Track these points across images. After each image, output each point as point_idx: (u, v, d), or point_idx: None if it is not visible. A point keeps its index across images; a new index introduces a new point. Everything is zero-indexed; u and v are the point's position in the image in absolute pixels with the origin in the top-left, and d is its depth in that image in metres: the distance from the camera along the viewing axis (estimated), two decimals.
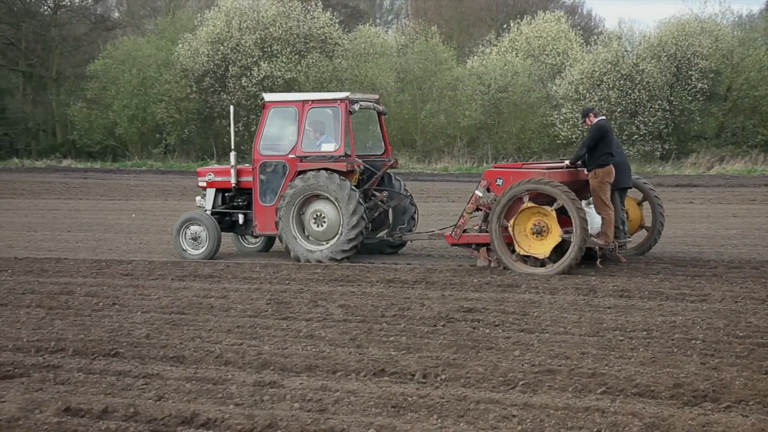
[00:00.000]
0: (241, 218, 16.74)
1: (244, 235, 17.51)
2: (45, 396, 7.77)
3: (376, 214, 16.45)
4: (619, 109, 40.37)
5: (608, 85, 40.50)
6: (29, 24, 52.87)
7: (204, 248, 16.32)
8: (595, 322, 10.54)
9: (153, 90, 46.90)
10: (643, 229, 16.18)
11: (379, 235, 16.58)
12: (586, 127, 15.58)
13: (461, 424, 7.02)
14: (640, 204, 16.13)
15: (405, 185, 17.21)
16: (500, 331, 10.19)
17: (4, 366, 8.76)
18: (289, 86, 45.30)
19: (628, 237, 15.65)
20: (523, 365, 8.60)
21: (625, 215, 15.36)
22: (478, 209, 14.98)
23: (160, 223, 22.79)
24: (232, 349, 9.35)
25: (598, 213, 14.65)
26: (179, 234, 16.52)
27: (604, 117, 15.20)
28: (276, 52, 45.42)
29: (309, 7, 46.52)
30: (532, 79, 43.87)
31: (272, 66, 44.57)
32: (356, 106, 15.98)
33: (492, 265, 14.65)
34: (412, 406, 7.44)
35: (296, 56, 45.29)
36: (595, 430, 6.85)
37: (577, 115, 40.12)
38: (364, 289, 12.89)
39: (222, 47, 45.57)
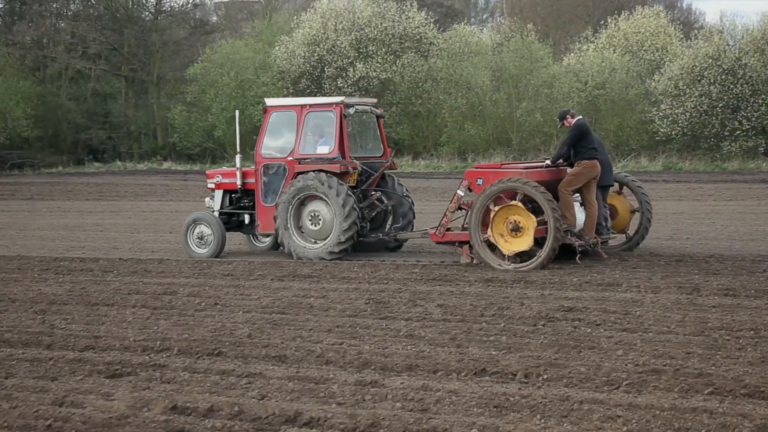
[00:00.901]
0: (246, 218, 17.31)
1: (254, 235, 17.94)
2: (152, 394, 7.92)
3: (374, 214, 16.92)
4: (720, 105, 39.53)
5: (709, 80, 39.68)
6: (131, 30, 54.06)
7: (209, 247, 16.96)
8: (699, 321, 10.32)
9: (250, 92, 47.48)
10: (623, 233, 16.43)
11: (373, 234, 16.89)
12: (563, 128, 16.01)
13: (565, 424, 6.94)
14: (632, 212, 16.42)
15: (405, 186, 17.64)
16: (602, 330, 10.04)
17: (113, 365, 8.96)
18: (384, 87, 45.47)
19: (612, 233, 15.97)
20: (626, 365, 8.46)
21: (608, 213, 15.76)
22: (460, 208, 15.40)
23: None
24: (333, 349, 9.40)
25: (559, 193, 14.90)
26: (187, 234, 17.17)
27: (581, 117, 15.66)
28: (371, 52, 45.61)
29: (404, 7, 46.60)
30: (630, 75, 43.19)
31: (367, 67, 44.76)
32: (351, 110, 16.48)
33: (474, 262, 14.99)
34: (515, 406, 7.39)
35: (391, 56, 45.40)
36: (703, 431, 6.70)
37: (677, 110, 39.41)
38: (462, 289, 12.85)
39: (318, 49, 45.95)
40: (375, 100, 18.11)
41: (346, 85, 44.98)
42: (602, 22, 49.66)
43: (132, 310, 11.86)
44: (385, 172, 17.28)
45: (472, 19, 64.73)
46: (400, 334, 10.07)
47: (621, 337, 9.66)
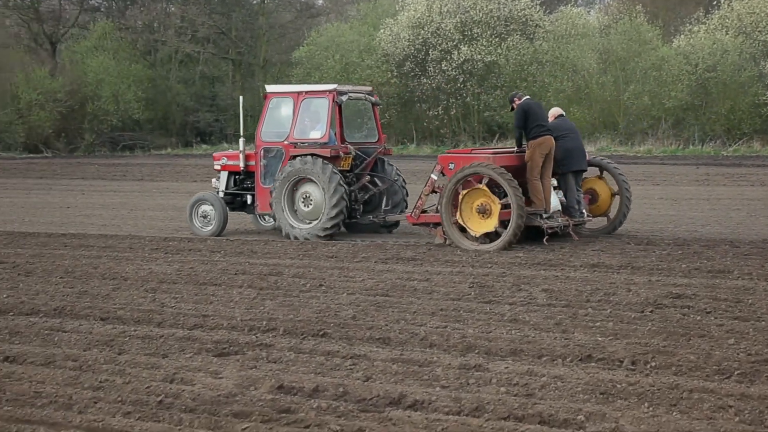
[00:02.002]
0: (249, 199, 18.11)
1: (260, 214, 18.61)
2: (259, 373, 8.03)
3: (366, 197, 17.68)
4: None
5: None
6: (239, 13, 54.79)
7: (212, 226, 17.85)
8: None
9: (355, 75, 47.67)
10: (605, 216, 16.90)
11: (366, 216, 17.62)
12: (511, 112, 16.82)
13: (674, 413, 6.81)
14: (613, 196, 16.80)
15: (398, 170, 18.18)
16: (712, 318, 9.82)
17: (221, 344, 9.11)
18: (488, 70, 45.19)
19: (589, 216, 16.50)
20: (738, 354, 8.26)
21: (582, 196, 16.35)
22: (434, 191, 16.04)
23: None
24: (437, 332, 9.39)
25: (528, 181, 15.54)
26: (191, 212, 18.13)
27: (528, 97, 16.43)
28: (476, 35, 45.34)
29: None
30: (743, 57, 42.06)
31: (472, 49, 44.54)
32: (344, 97, 17.24)
33: (447, 242, 15.58)
34: (622, 393, 7.28)
35: (496, 39, 45.08)
36: None
37: None
38: (567, 274, 12.71)
39: (422, 31, 45.88)
40: (370, 89, 18.94)
41: (450, 68, 44.84)
42: (715, 2, 48.40)
43: (239, 290, 12.04)
44: (380, 156, 17.98)
45: (579, 1, 63.77)
46: (504, 318, 10.01)
47: (732, 325, 9.43)
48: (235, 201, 18.37)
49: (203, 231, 17.87)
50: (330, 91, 17.14)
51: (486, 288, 11.74)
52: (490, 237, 15.22)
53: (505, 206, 15.02)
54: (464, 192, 15.22)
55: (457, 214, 15.31)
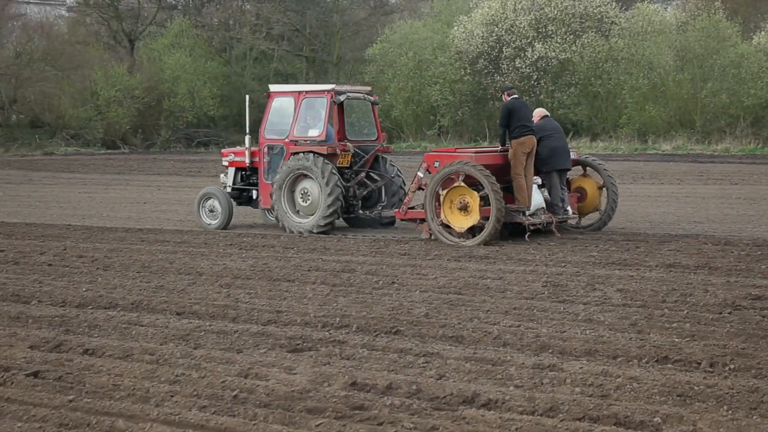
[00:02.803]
0: (254, 194, 18.81)
1: (263, 209, 19.15)
2: (332, 370, 8.06)
3: (365, 193, 18.29)
4: None
5: None
6: (313, 11, 55.11)
7: (218, 219, 18.51)
8: None
9: (428, 72, 47.66)
10: (597, 211, 17.32)
11: (362, 212, 18.31)
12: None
13: (754, 416, 6.68)
14: (600, 189, 17.23)
15: (397, 167, 18.71)
16: None
17: (294, 339, 9.16)
18: (563, 67, 44.84)
19: (572, 213, 16.92)
20: None
21: (566, 194, 16.75)
22: (420, 188, 16.56)
23: None
24: (510, 331, 9.34)
25: (512, 179, 16.10)
26: (199, 206, 18.85)
27: (516, 96, 16.87)
28: (550, 32, 45.02)
29: None
30: None
31: (546, 47, 44.24)
32: (342, 97, 17.87)
33: (432, 238, 16.10)
34: (700, 395, 7.16)
35: (571, 36, 44.71)
36: None
37: None
38: (642, 274, 12.54)
39: (496, 29, 45.70)
40: (369, 89, 19.51)
41: (524, 66, 44.58)
42: None
43: (312, 286, 12.10)
44: (379, 154, 18.56)
45: None
46: (578, 318, 9.92)
47: None
48: (241, 196, 19.11)
49: (210, 224, 18.54)
50: (328, 91, 17.78)
51: (560, 287, 11.64)
52: (473, 232, 15.69)
53: (486, 202, 15.53)
54: (444, 192, 15.75)
55: (441, 211, 15.85)
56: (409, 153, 44.58)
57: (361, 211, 18.28)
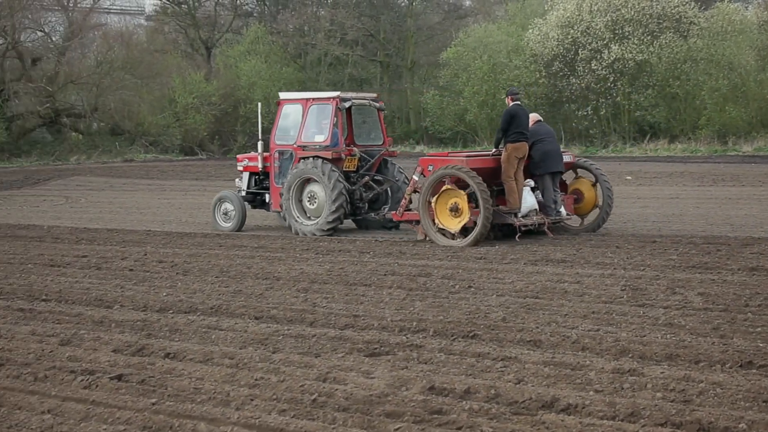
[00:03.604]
0: (267, 197, 19.55)
1: (275, 211, 19.70)
2: (410, 374, 8.06)
3: (370, 196, 18.87)
4: None
5: None
6: (387, 16, 55.29)
7: (232, 222, 19.35)
8: None
9: (503, 76, 47.44)
10: (596, 208, 17.83)
11: (368, 214, 18.93)
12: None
13: None
14: (594, 185, 17.80)
15: (404, 172, 19.27)
16: None
17: (372, 344, 9.19)
18: (640, 68, 44.30)
19: (567, 215, 17.39)
20: None
21: (559, 196, 17.28)
22: (415, 191, 17.08)
23: None
24: (589, 335, 9.25)
25: (503, 182, 16.67)
26: (215, 209, 19.73)
27: (518, 102, 17.22)
28: (627, 33, 44.51)
29: None
30: None
31: (623, 48, 43.76)
32: (347, 104, 18.74)
33: (427, 238, 16.66)
34: None
35: (648, 37, 44.16)
36: None
37: None
38: (724, 277, 12.32)
39: (572, 31, 45.33)
40: (375, 95, 20.21)
41: (600, 68, 44.14)
42: None
43: (388, 290, 12.12)
44: (385, 158, 19.23)
45: None
46: (658, 322, 9.79)
47: None
48: (255, 199, 19.88)
49: (224, 226, 19.42)
50: (334, 98, 18.60)
51: (639, 291, 11.50)
52: (465, 233, 16.22)
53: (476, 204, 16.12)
54: (435, 198, 16.38)
55: (434, 213, 16.45)
56: None
57: (369, 214, 18.84)
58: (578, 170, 18.18)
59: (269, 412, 7.14)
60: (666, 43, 43.58)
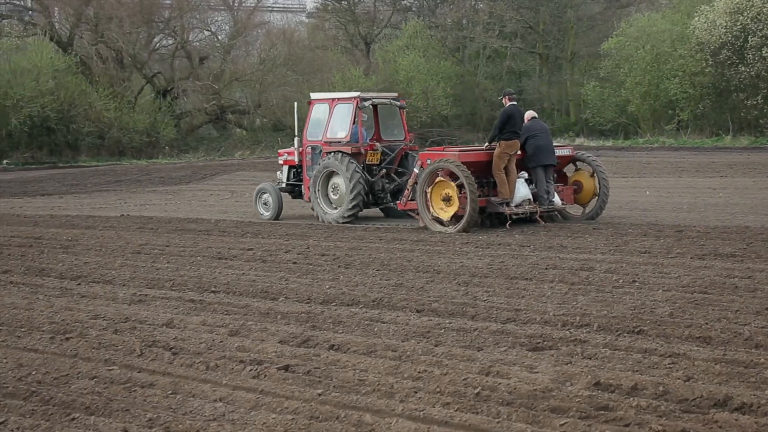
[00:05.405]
0: (303, 189, 21.24)
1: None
2: (574, 369, 7.95)
3: (392, 186, 20.30)
4: None
5: None
6: (547, 7, 54.70)
7: (270, 211, 21.24)
8: None
9: (666, 65, 46.29)
10: (595, 197, 19.20)
11: (390, 203, 20.34)
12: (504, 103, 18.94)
13: None
14: (592, 176, 19.17)
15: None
16: None
17: (534, 338, 9.11)
18: None
19: (562, 204, 18.78)
20: None
21: (552, 187, 18.56)
22: (416, 183, 18.35)
23: (675, 201, 22.46)
24: (763, 332, 8.91)
25: (494, 175, 18.14)
26: (256, 200, 21.72)
27: (515, 103, 18.73)
28: None
29: None
30: None
31: None
32: (367, 103, 20.41)
33: (424, 226, 18.09)
34: None
35: None
36: None
37: None
38: None
39: (741, 17, 43.81)
40: (396, 95, 22.08)
41: None
42: None
43: (550, 284, 11.98)
44: (408, 152, 20.68)
45: None
46: None
47: None
48: (294, 190, 21.83)
49: (264, 215, 21.34)
50: (354, 98, 20.32)
51: None
52: (457, 221, 17.60)
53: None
54: (430, 188, 17.82)
55: (430, 204, 17.96)
56: (646, 149, 43.50)
57: (390, 203, 20.34)
58: (578, 163, 19.51)
59: (433, 404, 7.17)
60: None
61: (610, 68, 49.48)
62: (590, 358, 8.34)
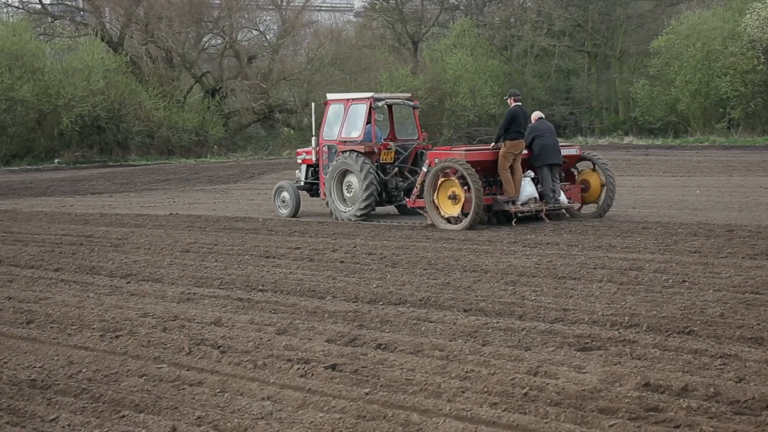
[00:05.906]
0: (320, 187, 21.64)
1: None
2: (623, 369, 7.88)
3: (405, 185, 20.52)
4: None
5: None
6: (595, 5, 54.33)
7: (288, 209, 21.82)
8: None
9: (717, 63, 45.79)
10: (595, 203, 19.59)
11: (403, 200, 20.40)
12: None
13: None
14: (603, 186, 19.35)
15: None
16: None
17: (583, 338, 9.04)
18: None
19: (569, 202, 19.12)
20: None
21: (558, 186, 18.95)
22: (424, 181, 18.73)
23: (725, 200, 22.20)
24: None
25: (499, 174, 18.60)
26: (275, 197, 22.34)
27: (519, 104, 19.05)
28: None
29: None
30: None
31: None
32: (380, 103, 20.84)
33: (430, 223, 18.64)
34: None
35: None
36: None
37: None
38: None
39: None
40: (409, 95, 22.71)
41: None
42: None
43: (598, 284, 11.89)
44: (421, 150, 20.85)
45: None
46: None
47: None
48: (312, 188, 22.31)
49: (282, 213, 21.94)
50: (368, 98, 20.76)
51: None
52: (463, 218, 18.08)
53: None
54: (437, 187, 18.37)
55: (437, 201, 18.47)
56: (696, 147, 43.06)
57: (403, 200, 20.45)
58: (586, 162, 19.91)
59: (480, 404, 7.14)
60: None
61: (660, 66, 49.03)
62: (639, 359, 8.27)
